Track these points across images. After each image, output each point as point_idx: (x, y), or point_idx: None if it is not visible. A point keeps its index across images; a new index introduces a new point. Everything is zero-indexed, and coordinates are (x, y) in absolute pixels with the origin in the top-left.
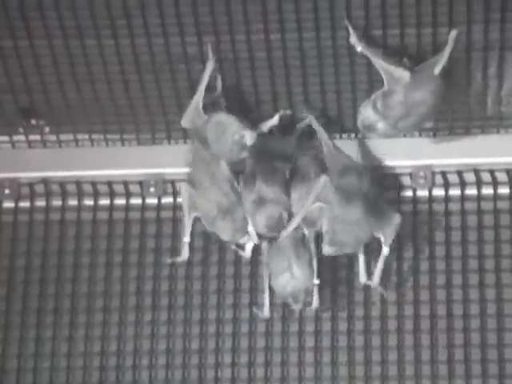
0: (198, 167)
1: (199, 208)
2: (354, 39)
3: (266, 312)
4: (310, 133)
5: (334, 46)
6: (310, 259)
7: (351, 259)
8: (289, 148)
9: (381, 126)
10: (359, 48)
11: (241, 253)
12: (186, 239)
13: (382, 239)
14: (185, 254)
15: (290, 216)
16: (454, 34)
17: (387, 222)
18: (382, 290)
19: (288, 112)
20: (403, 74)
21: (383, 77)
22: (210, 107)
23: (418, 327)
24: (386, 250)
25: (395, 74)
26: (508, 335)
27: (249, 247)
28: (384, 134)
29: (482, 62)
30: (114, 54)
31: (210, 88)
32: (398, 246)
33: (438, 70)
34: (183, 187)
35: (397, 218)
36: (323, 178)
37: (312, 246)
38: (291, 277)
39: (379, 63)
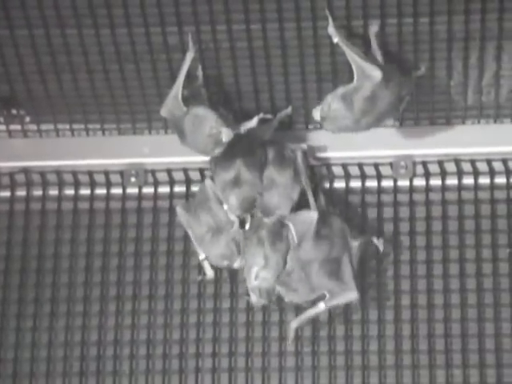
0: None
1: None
2: (331, 30)
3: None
4: (289, 123)
5: (314, 36)
6: (285, 254)
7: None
8: (267, 135)
9: (346, 120)
10: (336, 39)
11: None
12: (202, 256)
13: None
14: (209, 272)
15: (262, 201)
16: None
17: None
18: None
19: (268, 115)
20: (376, 73)
21: (355, 71)
22: (191, 98)
23: (399, 317)
24: (322, 307)
25: (368, 71)
26: (488, 325)
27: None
28: (345, 128)
29: (462, 53)
30: (94, 43)
31: (190, 78)
32: (378, 236)
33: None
34: (178, 210)
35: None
36: (299, 154)
37: (289, 237)
38: (263, 270)
39: (353, 57)
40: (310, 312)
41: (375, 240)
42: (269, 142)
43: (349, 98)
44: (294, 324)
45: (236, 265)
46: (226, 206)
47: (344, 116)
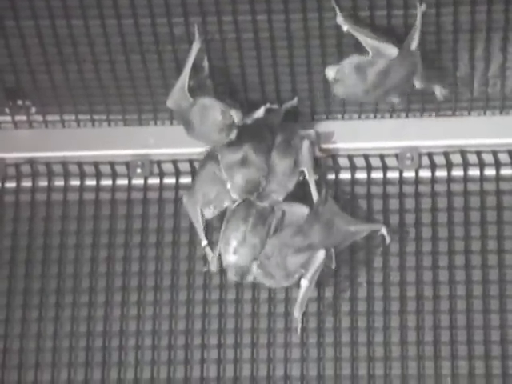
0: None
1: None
2: (340, 19)
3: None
4: (294, 114)
5: (321, 27)
6: (264, 238)
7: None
8: (276, 121)
9: (357, 88)
10: (346, 27)
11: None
12: (204, 243)
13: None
14: (213, 266)
15: (267, 185)
16: (423, 8)
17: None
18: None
19: (274, 106)
20: (392, 51)
21: (370, 53)
22: (197, 89)
23: (405, 308)
24: (304, 283)
25: (383, 50)
26: (494, 316)
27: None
28: (353, 95)
29: (468, 44)
30: (100, 34)
31: (196, 69)
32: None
33: (414, 46)
34: (185, 199)
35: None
36: (306, 143)
37: (273, 225)
38: (241, 247)
39: (366, 41)
40: (300, 294)
41: (383, 230)
42: (279, 127)
43: (362, 69)
44: (296, 313)
45: None
46: (229, 185)
47: (355, 84)
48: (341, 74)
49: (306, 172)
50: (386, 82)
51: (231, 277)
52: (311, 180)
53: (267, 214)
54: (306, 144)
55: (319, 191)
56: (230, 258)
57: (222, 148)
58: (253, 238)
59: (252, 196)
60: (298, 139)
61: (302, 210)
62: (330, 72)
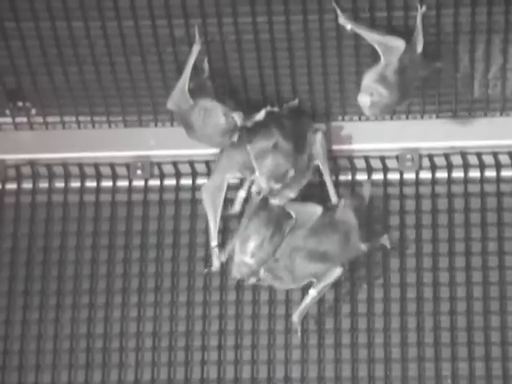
0: None
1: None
2: (342, 19)
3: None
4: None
5: (321, 29)
6: (279, 244)
7: None
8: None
9: (387, 99)
10: (349, 26)
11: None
12: (214, 243)
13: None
14: (215, 262)
15: (295, 177)
16: (423, 9)
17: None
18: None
19: (275, 108)
20: (398, 43)
21: (378, 50)
22: (197, 91)
23: (405, 310)
24: (312, 293)
25: (390, 43)
26: (494, 318)
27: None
28: (385, 108)
29: (469, 45)
30: (100, 36)
31: (197, 71)
32: (384, 229)
33: (419, 47)
34: (203, 189)
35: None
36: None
37: (286, 232)
38: (256, 252)
39: (372, 37)
40: (305, 301)
41: (383, 239)
42: (294, 121)
43: (383, 76)
44: (295, 318)
45: None
46: (257, 172)
47: (388, 96)
48: (376, 97)
49: (321, 166)
50: (405, 79)
51: (236, 275)
52: (327, 176)
53: (283, 221)
54: (319, 137)
55: (338, 194)
56: (246, 259)
57: (249, 136)
58: (270, 246)
59: (279, 185)
60: (312, 133)
61: (314, 210)
62: (366, 99)
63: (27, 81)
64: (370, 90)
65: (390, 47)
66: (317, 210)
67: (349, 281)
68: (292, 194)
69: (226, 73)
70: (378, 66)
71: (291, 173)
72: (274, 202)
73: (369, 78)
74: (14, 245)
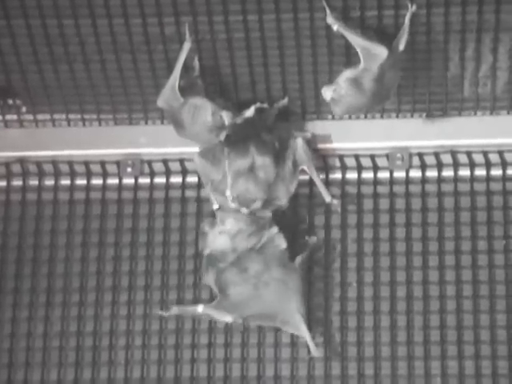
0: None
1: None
2: (330, 19)
3: None
4: (285, 114)
5: (311, 28)
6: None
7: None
8: (268, 121)
9: (357, 101)
10: (336, 27)
11: None
12: (215, 206)
13: None
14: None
15: (283, 186)
16: (414, 8)
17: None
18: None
19: (264, 105)
20: (381, 51)
21: (360, 54)
22: (187, 89)
23: (395, 308)
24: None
25: (373, 50)
26: (483, 316)
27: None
28: (354, 110)
29: (459, 44)
30: (91, 34)
31: (187, 69)
32: (374, 229)
33: (401, 47)
34: (196, 158)
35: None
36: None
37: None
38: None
39: (356, 41)
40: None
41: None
42: (273, 129)
43: (359, 80)
44: (175, 310)
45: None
46: (227, 191)
47: (355, 98)
48: (338, 93)
49: (308, 170)
50: (382, 86)
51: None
52: (316, 179)
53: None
54: (299, 142)
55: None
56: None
57: (228, 146)
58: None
59: (245, 210)
60: (292, 139)
61: (279, 243)
62: (327, 93)
63: (17, 78)
64: (335, 86)
65: (373, 54)
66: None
67: (339, 279)
68: (282, 202)
69: (217, 71)
70: (356, 67)
71: (258, 203)
72: (263, 213)
73: (342, 76)
74: (4, 243)
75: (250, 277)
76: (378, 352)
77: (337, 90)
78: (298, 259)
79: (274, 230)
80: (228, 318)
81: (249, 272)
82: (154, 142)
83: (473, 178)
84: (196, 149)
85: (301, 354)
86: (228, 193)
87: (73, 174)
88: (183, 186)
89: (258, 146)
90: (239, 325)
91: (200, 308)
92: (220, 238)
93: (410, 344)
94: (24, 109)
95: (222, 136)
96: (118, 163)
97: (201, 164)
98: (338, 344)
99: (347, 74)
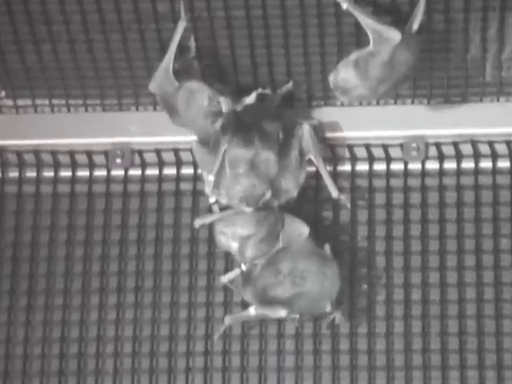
0: None
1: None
2: None
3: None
4: (290, 99)
5: (318, 5)
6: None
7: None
8: (269, 112)
9: (361, 88)
10: (345, 5)
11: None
12: (212, 200)
13: None
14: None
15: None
16: None
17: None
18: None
19: (267, 91)
20: (394, 35)
21: (370, 37)
22: (182, 72)
23: (409, 313)
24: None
25: (385, 34)
26: (507, 322)
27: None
28: (360, 97)
29: (480, 24)
30: (76, 11)
31: (182, 50)
32: (387, 225)
33: (415, 27)
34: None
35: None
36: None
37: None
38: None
39: (367, 22)
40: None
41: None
42: (277, 116)
43: (363, 64)
44: (227, 320)
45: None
46: (229, 192)
47: (357, 85)
48: (335, 80)
49: (314, 160)
50: (392, 73)
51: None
52: (323, 171)
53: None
54: (306, 129)
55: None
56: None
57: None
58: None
59: (250, 208)
60: (298, 126)
61: (301, 230)
62: (331, 78)
63: None
64: (335, 74)
65: (385, 38)
66: (304, 230)
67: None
68: (292, 194)
69: (215, 52)
70: (362, 50)
71: (268, 195)
72: (274, 204)
73: (344, 61)
74: None
75: (285, 276)
76: (390, 358)
77: (333, 78)
78: (327, 247)
79: (289, 217)
80: (282, 313)
81: (282, 273)
82: (145, 130)
83: (495, 170)
84: (192, 137)
85: (306, 362)
86: (232, 193)
87: (56, 165)
88: (177, 178)
89: (261, 137)
90: (238, 330)
91: (252, 310)
92: (245, 246)
93: (426, 352)
94: (3, 93)
95: (219, 124)
96: (106, 153)
97: (200, 154)
98: (347, 352)
99: (350, 57)
